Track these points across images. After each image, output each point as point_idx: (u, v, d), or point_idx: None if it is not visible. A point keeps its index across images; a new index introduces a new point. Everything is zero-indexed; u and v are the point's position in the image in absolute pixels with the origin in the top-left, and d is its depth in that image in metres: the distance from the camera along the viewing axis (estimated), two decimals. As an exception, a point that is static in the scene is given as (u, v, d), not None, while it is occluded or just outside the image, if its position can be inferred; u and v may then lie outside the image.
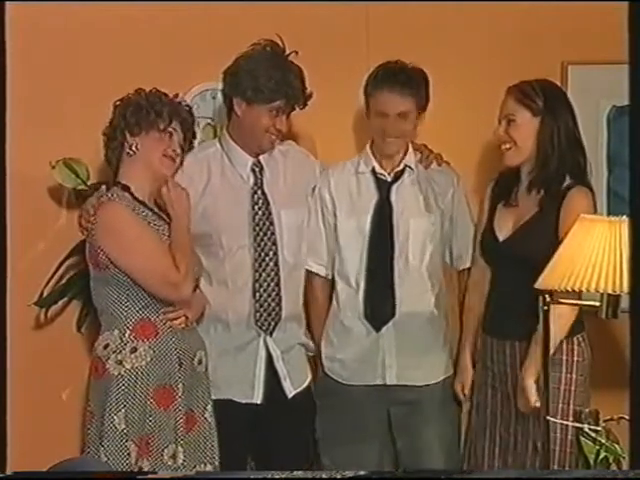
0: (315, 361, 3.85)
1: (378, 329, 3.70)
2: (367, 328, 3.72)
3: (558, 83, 3.96)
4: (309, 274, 3.80)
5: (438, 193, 3.75)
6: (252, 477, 2.87)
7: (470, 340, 3.72)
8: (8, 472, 2.77)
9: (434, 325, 3.75)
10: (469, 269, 3.78)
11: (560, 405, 3.43)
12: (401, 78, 3.63)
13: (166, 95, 3.47)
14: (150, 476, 2.94)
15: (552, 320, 3.23)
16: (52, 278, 3.88)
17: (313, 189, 3.76)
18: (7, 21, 2.82)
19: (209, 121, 4.01)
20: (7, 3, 2.83)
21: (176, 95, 3.50)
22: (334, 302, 3.78)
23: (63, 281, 3.92)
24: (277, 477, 2.74)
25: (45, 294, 3.88)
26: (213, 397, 3.60)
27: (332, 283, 3.80)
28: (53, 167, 3.82)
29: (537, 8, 3.94)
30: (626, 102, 2.58)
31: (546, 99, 3.50)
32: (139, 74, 3.54)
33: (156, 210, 3.49)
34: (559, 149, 3.49)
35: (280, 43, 3.57)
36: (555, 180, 3.49)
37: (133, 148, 3.43)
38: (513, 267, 3.45)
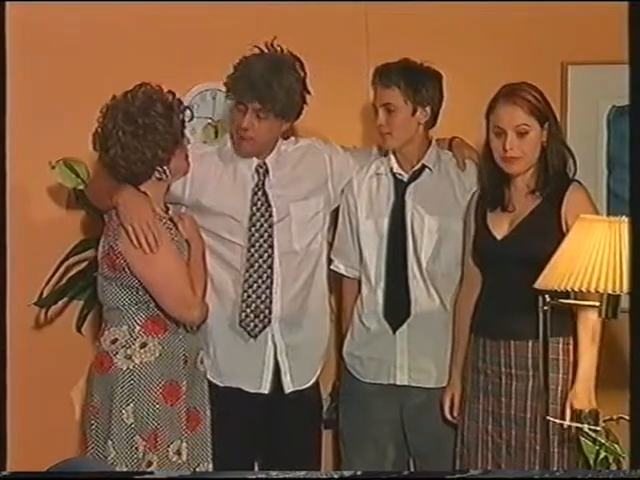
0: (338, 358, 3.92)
1: (395, 329, 3.73)
2: (384, 328, 3.74)
3: (558, 83, 3.99)
4: (337, 275, 3.87)
5: (462, 191, 3.74)
6: (251, 477, 2.87)
7: (463, 348, 3.69)
8: (7, 472, 2.77)
9: (449, 327, 3.74)
10: (461, 277, 3.74)
11: (558, 407, 3.42)
12: (387, 71, 3.64)
13: (171, 96, 3.45)
14: (147, 476, 2.94)
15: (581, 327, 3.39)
16: (52, 278, 3.88)
17: (327, 182, 3.77)
18: (7, 21, 2.83)
19: (209, 121, 4.01)
20: (7, 3, 2.83)
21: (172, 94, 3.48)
22: (357, 300, 3.82)
23: (63, 281, 3.92)
24: (276, 477, 2.74)
25: (45, 294, 3.88)
26: (222, 384, 3.64)
27: (359, 283, 3.83)
28: (53, 167, 3.83)
29: (537, 8, 3.95)
30: (626, 102, 2.58)
31: (547, 106, 3.50)
32: (139, 74, 3.53)
33: (174, 219, 3.48)
34: (558, 151, 3.50)
35: (272, 48, 3.56)
36: (555, 181, 3.50)
37: (167, 173, 3.43)
38: (511, 265, 3.45)
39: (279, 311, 3.67)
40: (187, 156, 3.51)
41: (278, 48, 3.56)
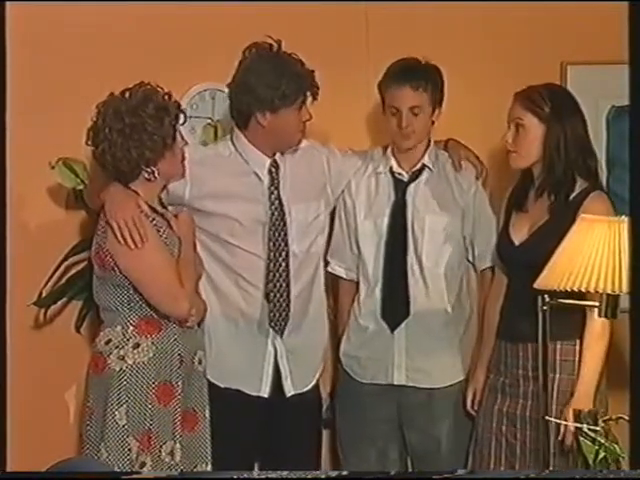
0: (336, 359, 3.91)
1: (393, 329, 3.73)
2: (382, 328, 3.74)
3: (558, 83, 3.98)
4: (334, 277, 3.87)
5: (460, 191, 3.76)
6: (247, 476, 2.87)
7: (489, 347, 3.70)
8: (7, 471, 2.78)
9: (449, 328, 3.75)
10: (492, 274, 3.76)
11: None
12: (413, 73, 3.65)
13: (168, 96, 3.45)
14: (135, 476, 2.94)
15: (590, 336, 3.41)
16: (51, 278, 3.88)
17: (325, 185, 3.77)
18: (7, 21, 2.83)
19: (209, 121, 4.01)
20: (7, 3, 2.84)
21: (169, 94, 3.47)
22: (354, 301, 3.82)
23: (62, 281, 3.92)
24: (275, 477, 2.74)
25: (44, 294, 3.88)
26: (223, 385, 3.63)
27: (357, 285, 3.83)
28: (53, 167, 3.82)
29: (537, 8, 3.95)
30: (626, 102, 2.59)
31: (553, 105, 3.50)
32: (139, 74, 3.53)
33: (167, 216, 3.48)
34: (566, 155, 3.48)
35: (272, 42, 3.56)
36: (564, 185, 3.49)
37: (156, 174, 3.41)
38: (528, 271, 3.39)
39: None
40: (183, 159, 3.49)
41: (272, 42, 3.56)
